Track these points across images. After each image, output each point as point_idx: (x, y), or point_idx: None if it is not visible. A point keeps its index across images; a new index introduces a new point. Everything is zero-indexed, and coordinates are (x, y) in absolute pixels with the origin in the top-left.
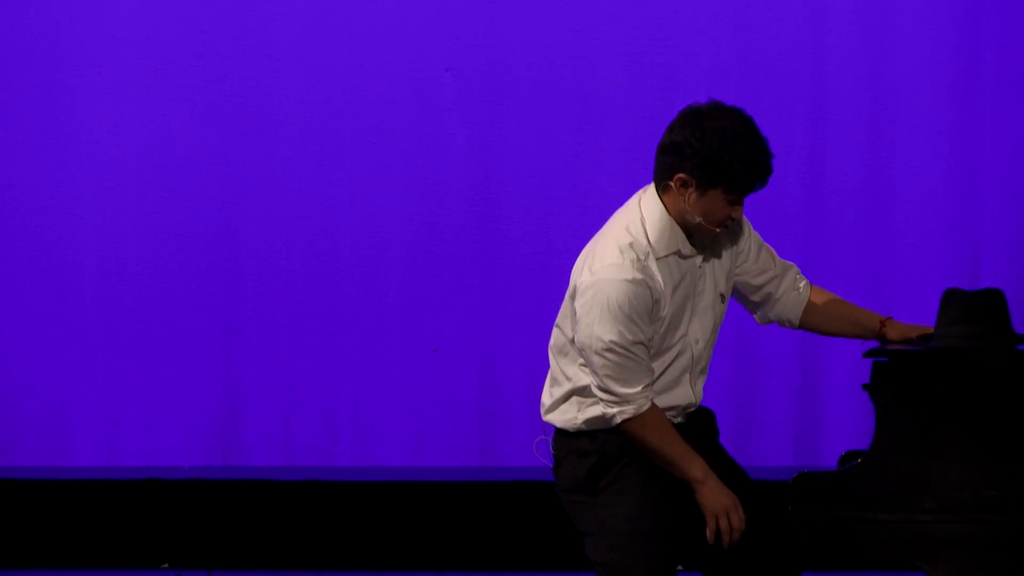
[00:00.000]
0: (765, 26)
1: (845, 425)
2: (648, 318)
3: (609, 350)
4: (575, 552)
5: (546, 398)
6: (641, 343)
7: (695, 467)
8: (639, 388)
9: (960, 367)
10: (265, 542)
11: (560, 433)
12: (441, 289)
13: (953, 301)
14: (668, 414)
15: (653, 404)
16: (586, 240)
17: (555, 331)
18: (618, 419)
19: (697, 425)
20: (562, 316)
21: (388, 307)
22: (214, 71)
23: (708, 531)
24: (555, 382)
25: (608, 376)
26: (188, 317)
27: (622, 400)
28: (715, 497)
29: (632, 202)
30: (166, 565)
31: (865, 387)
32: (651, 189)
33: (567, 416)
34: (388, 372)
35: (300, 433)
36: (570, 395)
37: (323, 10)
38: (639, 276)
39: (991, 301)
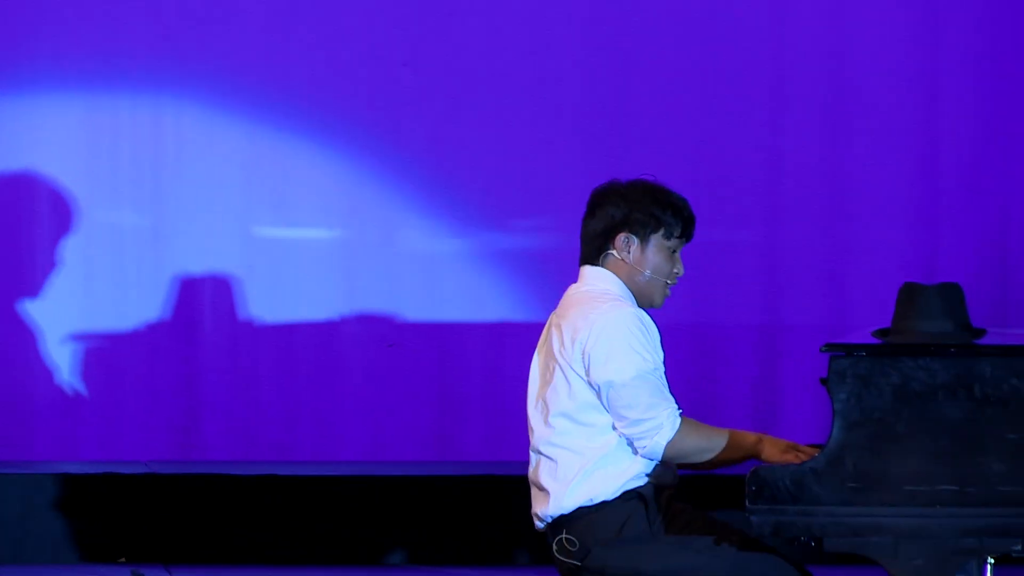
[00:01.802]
0: (725, 23)
1: (802, 420)
2: (656, 348)
3: (636, 377)
4: (534, 547)
5: (556, 488)
6: (659, 370)
7: (746, 438)
8: (671, 407)
9: (918, 361)
10: (224, 537)
11: (582, 512)
12: (398, 282)
13: (911, 295)
14: (664, 476)
15: (684, 416)
16: (544, 229)
17: (545, 424)
18: (662, 443)
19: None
20: (552, 401)
21: (345, 301)
22: (176, 64)
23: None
24: (566, 467)
25: (640, 404)
26: (148, 312)
27: (658, 424)
28: (776, 448)
29: (572, 290)
30: (123, 559)
31: (822, 381)
32: (586, 269)
33: (597, 489)
34: (346, 366)
35: (259, 428)
36: (594, 468)
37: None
38: (639, 309)
39: (949, 295)
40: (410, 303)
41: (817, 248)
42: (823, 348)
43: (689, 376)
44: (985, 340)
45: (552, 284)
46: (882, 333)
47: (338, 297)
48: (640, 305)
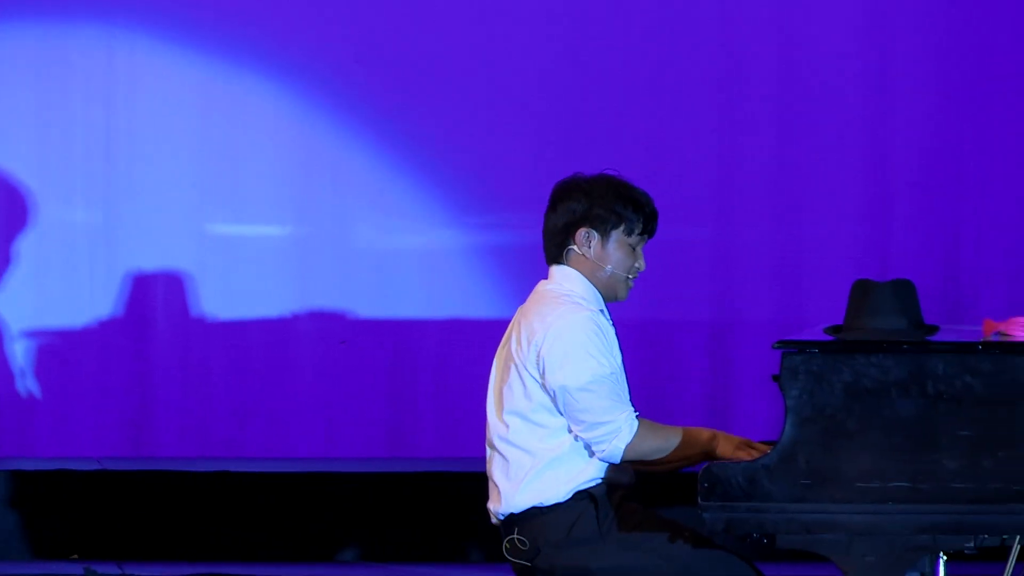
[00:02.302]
0: (678, 23)
1: (755, 417)
2: (612, 352)
3: (592, 382)
4: (487, 543)
5: (507, 486)
6: (615, 374)
7: (700, 435)
8: (628, 410)
9: (870, 358)
10: (177, 533)
11: (533, 512)
12: (350, 279)
13: (863, 292)
14: (621, 476)
15: (640, 418)
16: (498, 226)
17: (499, 420)
18: (621, 447)
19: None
20: (508, 401)
21: (298, 298)
22: (126, 55)
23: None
24: (517, 466)
25: (597, 409)
26: (100, 309)
27: (616, 428)
28: (729, 444)
29: (540, 287)
30: (75, 556)
31: (775, 378)
32: (554, 268)
33: (548, 490)
34: (298, 363)
35: (211, 424)
36: (545, 469)
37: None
38: (593, 309)
39: (901, 292)
40: (363, 300)
41: (769, 245)
42: (775, 345)
43: (641, 373)
44: (938, 337)
45: (506, 280)
46: (835, 330)
47: (290, 294)
48: (606, 300)
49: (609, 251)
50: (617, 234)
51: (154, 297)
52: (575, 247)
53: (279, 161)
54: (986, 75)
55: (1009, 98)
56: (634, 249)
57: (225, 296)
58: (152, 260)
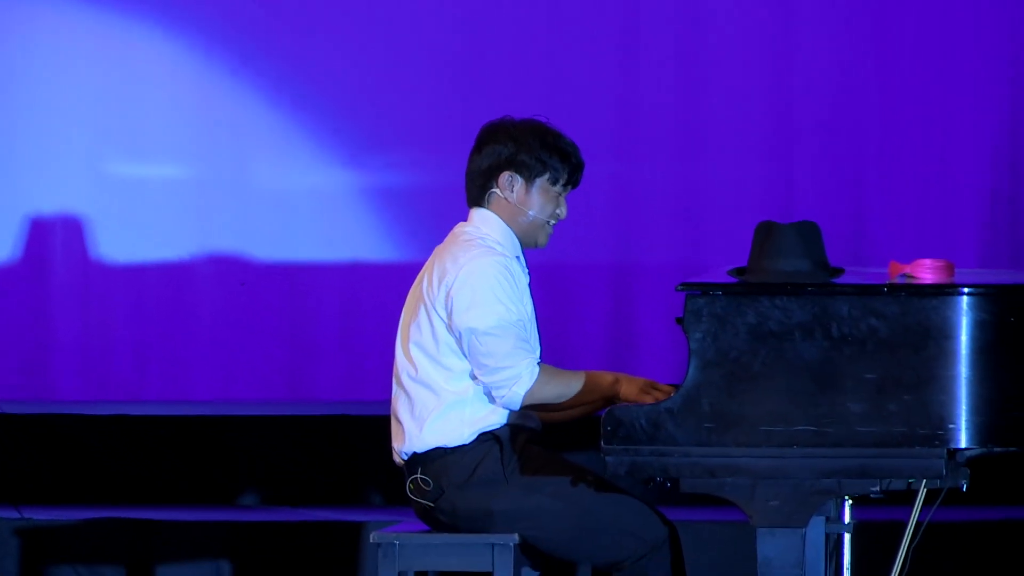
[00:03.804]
0: None
1: (659, 360)
2: (522, 300)
3: (497, 327)
4: (388, 487)
5: (411, 425)
6: (522, 321)
7: (603, 379)
8: (531, 357)
9: (774, 300)
10: (75, 477)
11: (438, 453)
12: (250, 220)
13: (767, 233)
14: (527, 421)
15: (541, 364)
16: (399, 165)
17: (407, 358)
18: (520, 393)
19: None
20: (415, 338)
21: (197, 240)
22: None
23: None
24: (422, 405)
25: (499, 354)
26: None
27: (516, 374)
28: (633, 387)
29: (458, 228)
30: None
31: (678, 321)
32: (473, 211)
33: (452, 432)
34: (197, 305)
35: (110, 367)
36: (449, 409)
37: None
38: (507, 255)
39: (806, 233)
40: (262, 242)
41: (671, 186)
42: (678, 287)
43: (542, 317)
44: (843, 279)
45: (408, 222)
46: (739, 272)
47: (189, 236)
48: (524, 246)
49: (532, 197)
50: (541, 181)
51: (52, 239)
52: (497, 190)
53: (176, 102)
54: (889, 14)
55: (912, 38)
56: (557, 197)
57: (123, 238)
58: (50, 202)
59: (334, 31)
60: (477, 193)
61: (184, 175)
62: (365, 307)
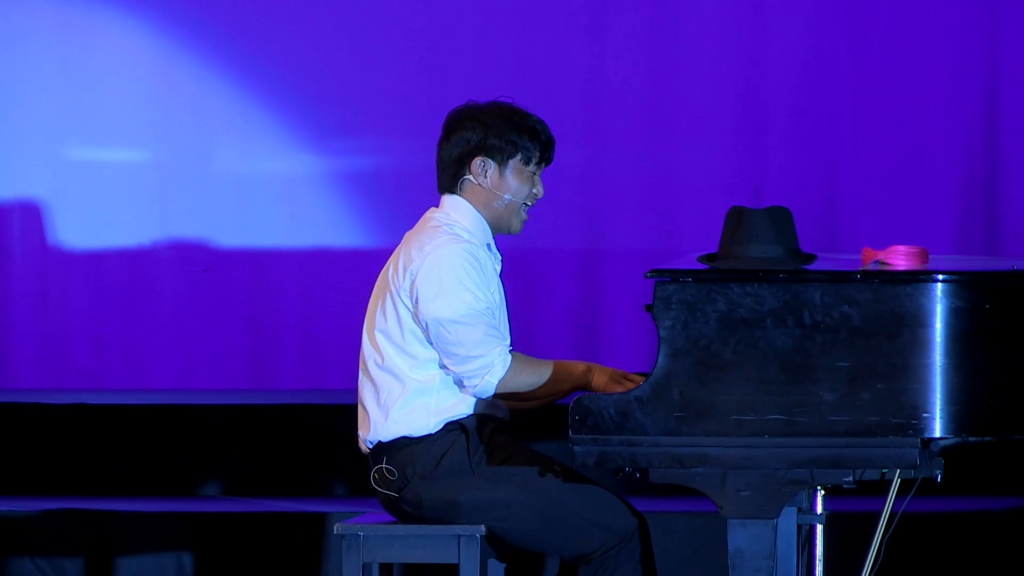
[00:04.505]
0: None
1: (628, 348)
2: (489, 287)
3: (466, 315)
4: (351, 477)
5: (376, 413)
6: (491, 309)
7: (575, 368)
8: (502, 345)
9: (745, 288)
10: (33, 467)
11: (403, 442)
12: (212, 206)
13: (739, 219)
14: (495, 411)
15: (513, 352)
16: (363, 151)
17: (373, 345)
18: (493, 382)
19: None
20: (380, 325)
21: (158, 226)
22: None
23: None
24: (387, 392)
25: (469, 343)
26: None
27: (488, 363)
28: (604, 376)
29: (429, 213)
30: None
31: (648, 308)
32: (445, 197)
33: (418, 421)
34: (158, 292)
35: (69, 355)
36: (414, 398)
37: None
38: (474, 242)
39: (778, 219)
40: (224, 228)
41: (641, 171)
42: (648, 274)
43: (510, 304)
44: (815, 265)
45: (372, 207)
46: (709, 258)
47: (150, 222)
48: (497, 232)
49: (507, 180)
50: (514, 163)
51: (10, 226)
52: (471, 177)
53: (136, 85)
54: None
55: (886, 23)
56: (532, 176)
57: (83, 224)
58: (7, 188)
59: (298, 14)
60: (449, 181)
61: (145, 160)
62: (328, 294)
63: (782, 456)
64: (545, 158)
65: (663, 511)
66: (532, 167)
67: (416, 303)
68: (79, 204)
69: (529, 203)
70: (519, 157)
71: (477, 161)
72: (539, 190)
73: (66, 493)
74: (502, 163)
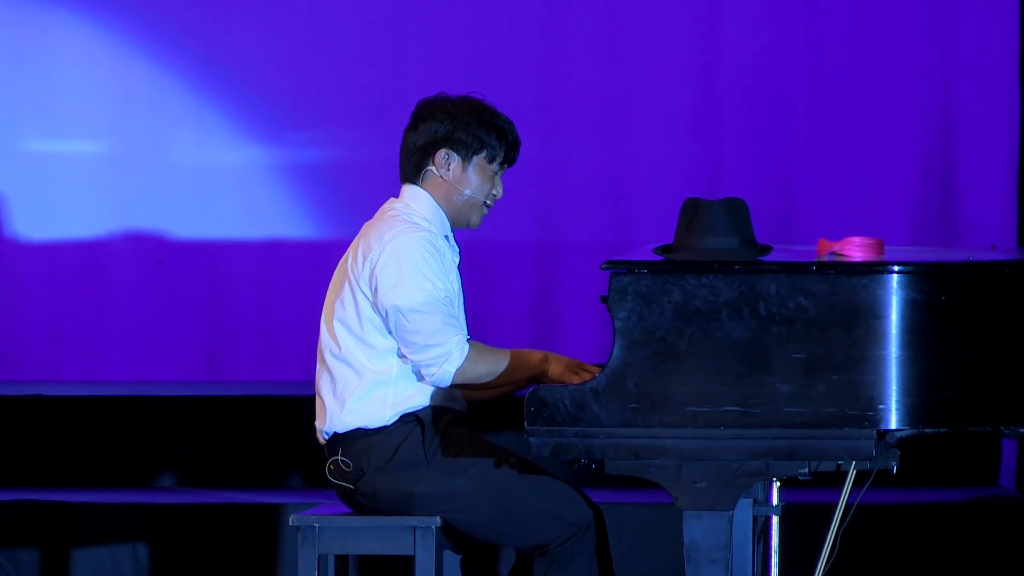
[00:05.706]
0: None
1: (583, 340)
2: (448, 277)
3: (425, 304)
4: (307, 469)
5: (333, 404)
6: (449, 298)
7: (532, 357)
8: (460, 335)
9: (701, 279)
10: None
11: (358, 434)
12: (168, 198)
13: (694, 211)
14: (452, 404)
15: (470, 341)
16: (319, 142)
17: (330, 335)
18: (451, 371)
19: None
20: (339, 314)
21: (113, 217)
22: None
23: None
24: (344, 383)
25: (427, 331)
26: None
27: (446, 351)
28: (560, 366)
29: (388, 203)
30: None
31: (603, 299)
32: (405, 187)
33: (374, 412)
34: (113, 284)
35: (24, 347)
36: (371, 389)
37: None
38: (433, 231)
39: (733, 210)
40: (180, 219)
41: (596, 163)
42: (603, 265)
43: (466, 295)
44: (771, 257)
45: (327, 199)
46: (665, 250)
47: (106, 213)
48: (456, 226)
49: (468, 175)
50: (478, 159)
51: None
52: (433, 168)
53: (91, 76)
54: None
55: (842, 13)
56: (494, 175)
57: (38, 215)
58: None
59: (253, 6)
60: (412, 171)
61: (100, 151)
62: (284, 285)
63: (738, 448)
64: (509, 159)
65: (619, 502)
66: (495, 166)
67: (375, 292)
68: (34, 196)
69: (489, 203)
70: (484, 154)
71: (442, 153)
72: (499, 191)
73: (22, 485)
74: (466, 158)
